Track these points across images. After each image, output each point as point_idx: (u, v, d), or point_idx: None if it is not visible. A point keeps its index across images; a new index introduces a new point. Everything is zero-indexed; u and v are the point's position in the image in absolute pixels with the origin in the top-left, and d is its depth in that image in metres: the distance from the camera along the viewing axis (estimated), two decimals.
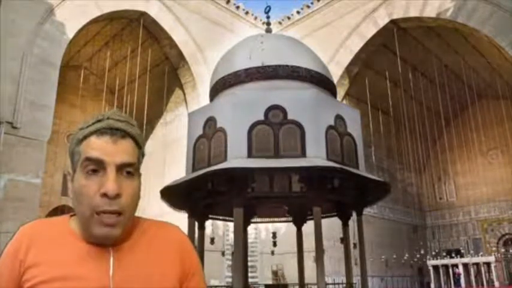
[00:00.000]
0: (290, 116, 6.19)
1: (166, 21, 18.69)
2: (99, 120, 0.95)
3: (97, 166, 0.90)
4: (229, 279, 16.16)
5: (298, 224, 8.71)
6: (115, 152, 0.91)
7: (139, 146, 0.98)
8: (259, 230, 18.46)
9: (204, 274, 1.00)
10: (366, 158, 8.97)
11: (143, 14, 17.99)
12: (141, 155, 0.99)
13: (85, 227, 0.91)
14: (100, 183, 0.89)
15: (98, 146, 0.91)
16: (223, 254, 16.97)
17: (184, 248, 1.00)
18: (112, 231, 0.89)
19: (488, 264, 21.85)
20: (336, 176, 6.54)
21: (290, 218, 8.86)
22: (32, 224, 0.96)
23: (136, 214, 0.98)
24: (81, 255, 0.90)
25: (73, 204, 0.93)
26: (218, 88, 7.17)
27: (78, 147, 0.93)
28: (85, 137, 0.93)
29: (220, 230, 16.96)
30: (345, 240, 7.66)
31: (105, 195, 0.88)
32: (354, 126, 6.86)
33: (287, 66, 6.83)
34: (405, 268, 23.34)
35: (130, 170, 0.93)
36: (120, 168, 0.91)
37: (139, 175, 0.97)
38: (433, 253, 24.32)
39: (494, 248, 25.09)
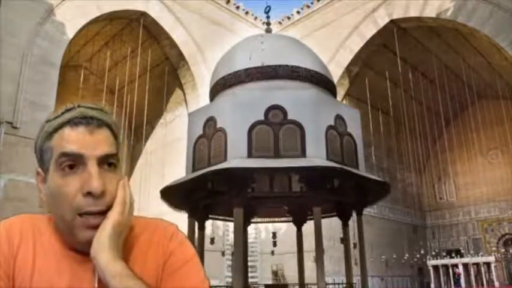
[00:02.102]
0: (290, 116, 6.19)
1: (166, 21, 18.70)
2: (68, 110, 0.84)
3: (75, 161, 0.79)
4: (229, 279, 16.16)
5: (298, 224, 8.72)
6: (93, 143, 0.81)
7: (116, 135, 0.87)
8: (259, 230, 18.46)
9: (199, 263, 0.87)
10: (366, 158, 8.98)
11: (143, 14, 18.00)
12: (118, 146, 0.88)
13: (67, 232, 0.81)
14: (81, 181, 0.78)
15: (74, 139, 0.80)
16: (223, 254, 16.97)
17: (168, 244, 0.87)
18: None
19: (488, 264, 21.84)
20: (336, 176, 6.55)
21: (290, 218, 8.87)
22: (21, 220, 0.87)
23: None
24: (65, 265, 0.81)
25: (49, 208, 0.84)
26: (218, 88, 7.17)
27: (48, 142, 0.82)
28: (55, 130, 0.82)
29: (220, 230, 16.96)
30: (345, 240, 7.67)
31: (89, 194, 0.78)
32: (354, 126, 6.86)
33: (287, 66, 6.84)
34: (405, 268, 23.34)
35: (113, 161, 0.83)
36: (102, 161, 0.81)
37: (121, 168, 0.88)
38: (433, 253, 24.30)
39: (494, 248, 25.07)
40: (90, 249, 0.78)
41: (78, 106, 0.85)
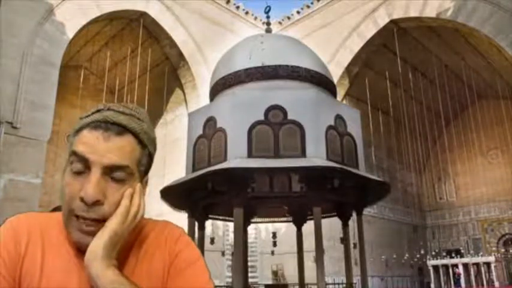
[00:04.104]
0: (290, 116, 6.19)
1: (166, 21, 18.69)
2: (98, 110, 0.83)
3: (82, 164, 0.79)
4: (229, 279, 16.16)
5: (298, 224, 8.72)
6: (105, 150, 0.79)
7: (145, 144, 0.85)
8: (259, 230, 18.46)
9: (205, 265, 0.88)
10: (366, 158, 8.97)
11: (143, 14, 17.99)
12: (147, 155, 0.86)
13: (65, 228, 0.81)
14: (81, 185, 0.78)
15: (87, 142, 0.79)
16: (223, 254, 16.97)
17: (174, 246, 0.87)
18: (89, 240, 0.78)
19: (488, 264, 21.83)
20: (336, 176, 6.54)
21: (290, 218, 8.87)
22: (28, 218, 0.85)
23: None
24: (74, 265, 0.80)
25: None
26: (218, 88, 7.18)
27: (72, 138, 0.83)
28: (81, 129, 0.82)
29: (220, 230, 16.95)
30: (345, 240, 7.67)
31: (83, 200, 0.77)
32: (354, 126, 6.87)
33: (287, 66, 6.84)
34: (405, 268, 23.33)
35: (119, 174, 0.80)
36: (108, 171, 0.79)
37: (137, 181, 0.84)
38: (433, 253, 24.30)
39: (494, 248, 25.07)
40: (84, 258, 0.77)
41: (108, 109, 0.83)
